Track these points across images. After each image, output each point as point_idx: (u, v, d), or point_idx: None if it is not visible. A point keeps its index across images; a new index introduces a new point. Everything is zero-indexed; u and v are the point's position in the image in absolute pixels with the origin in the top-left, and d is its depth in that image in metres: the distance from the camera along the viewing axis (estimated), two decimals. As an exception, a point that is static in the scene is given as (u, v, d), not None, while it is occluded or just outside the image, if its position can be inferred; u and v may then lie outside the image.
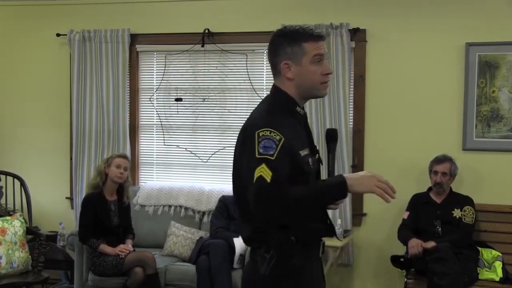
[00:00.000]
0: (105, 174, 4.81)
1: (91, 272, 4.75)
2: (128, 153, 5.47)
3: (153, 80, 5.75)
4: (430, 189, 4.78)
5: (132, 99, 5.73)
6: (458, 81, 4.92)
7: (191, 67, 5.59)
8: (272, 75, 2.34)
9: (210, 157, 5.56)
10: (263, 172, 2.05)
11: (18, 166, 5.80)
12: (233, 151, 2.29)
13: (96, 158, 5.65)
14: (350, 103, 5.14)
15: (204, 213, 5.34)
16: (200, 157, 5.61)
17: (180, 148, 5.68)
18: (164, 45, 5.61)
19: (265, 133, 2.10)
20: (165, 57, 5.61)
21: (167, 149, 5.72)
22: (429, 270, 4.28)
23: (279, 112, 2.23)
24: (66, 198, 5.89)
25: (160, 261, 4.84)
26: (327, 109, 5.10)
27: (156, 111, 5.72)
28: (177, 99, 5.61)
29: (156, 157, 5.80)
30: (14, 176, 5.52)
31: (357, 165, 5.10)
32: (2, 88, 6.03)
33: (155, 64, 5.75)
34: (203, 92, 5.56)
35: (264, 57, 5.23)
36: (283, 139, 2.10)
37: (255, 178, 2.05)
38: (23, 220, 4.89)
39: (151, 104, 5.72)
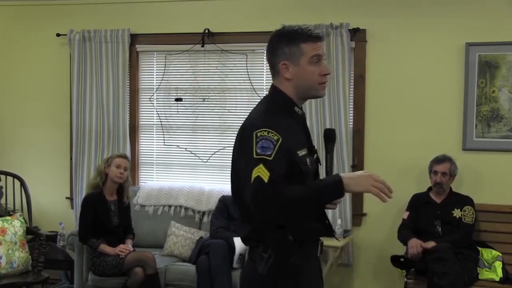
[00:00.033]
0: (105, 174, 4.81)
1: (91, 272, 4.75)
2: (128, 153, 5.47)
3: (153, 80, 5.75)
4: (430, 189, 4.78)
5: (132, 99, 5.73)
6: (458, 81, 4.92)
7: (191, 67, 5.59)
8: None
9: (210, 157, 5.56)
10: (261, 172, 2.06)
11: (18, 166, 5.80)
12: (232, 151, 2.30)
13: (96, 158, 5.65)
14: (350, 103, 5.14)
15: (204, 213, 5.34)
16: (200, 157, 5.61)
17: (180, 148, 5.68)
18: (164, 45, 5.60)
19: (263, 133, 2.11)
20: (165, 57, 5.61)
21: (167, 149, 5.72)
22: (429, 270, 4.28)
23: (278, 112, 2.24)
24: (66, 198, 5.89)
25: (160, 261, 4.84)
26: (327, 109, 5.10)
27: (156, 111, 5.72)
28: (177, 99, 5.61)
29: (156, 157, 5.80)
30: (14, 176, 5.52)
31: (357, 165, 5.10)
32: (2, 88, 6.03)
33: (155, 64, 5.75)
34: (203, 92, 5.56)
35: (264, 57, 5.22)
36: (280, 140, 2.11)
37: (252, 178, 2.06)
38: (23, 220, 4.90)
39: (151, 104, 5.72)
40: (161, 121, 5.69)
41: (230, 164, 2.33)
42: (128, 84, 5.68)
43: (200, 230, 5.24)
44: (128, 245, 4.77)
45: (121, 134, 5.60)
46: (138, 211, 5.37)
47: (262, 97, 2.41)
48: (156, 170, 5.82)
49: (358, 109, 5.17)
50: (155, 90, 5.70)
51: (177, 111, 5.65)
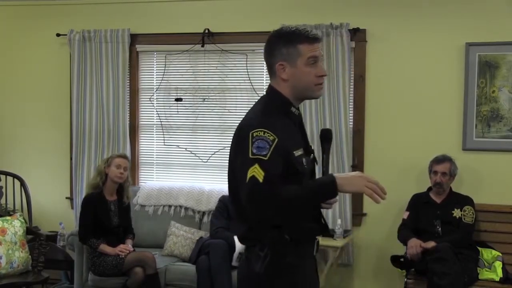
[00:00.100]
0: (105, 174, 4.81)
1: (91, 272, 4.75)
2: (128, 153, 5.47)
3: (153, 80, 5.75)
4: (430, 189, 4.78)
5: (132, 99, 5.72)
6: (458, 81, 4.92)
7: (191, 67, 5.59)
8: None
9: (210, 157, 5.56)
10: (256, 172, 2.08)
11: (18, 166, 5.80)
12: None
13: (96, 158, 5.65)
14: (350, 103, 5.14)
15: (204, 213, 5.34)
16: (200, 157, 5.61)
17: (180, 148, 5.68)
18: (164, 45, 5.60)
19: (259, 133, 2.13)
20: (165, 57, 5.61)
21: (167, 149, 5.72)
22: (429, 270, 4.28)
23: (274, 112, 2.25)
24: (66, 198, 5.89)
25: (160, 261, 4.84)
26: (327, 109, 5.10)
27: (156, 111, 5.72)
28: (177, 99, 5.61)
29: (156, 157, 5.80)
30: (14, 176, 5.52)
31: (357, 165, 5.10)
32: (2, 88, 6.03)
33: (155, 64, 5.75)
34: (203, 92, 5.56)
35: (264, 57, 5.24)
36: (276, 140, 2.13)
37: (247, 178, 2.08)
38: (23, 220, 4.89)
39: (151, 104, 5.72)
40: (161, 121, 5.69)
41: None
42: (128, 84, 5.68)
43: (200, 230, 5.24)
44: (128, 245, 4.77)
45: (121, 134, 5.60)
46: (138, 211, 5.37)
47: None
48: (156, 170, 5.82)
49: (358, 109, 5.17)
50: (155, 90, 5.70)
51: (177, 111, 5.65)
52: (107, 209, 4.78)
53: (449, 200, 4.70)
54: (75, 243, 4.92)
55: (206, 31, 5.42)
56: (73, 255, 5.07)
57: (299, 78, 2.26)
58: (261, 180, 2.07)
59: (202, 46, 5.44)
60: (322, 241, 4.58)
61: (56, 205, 5.89)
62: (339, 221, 4.91)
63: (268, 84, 2.36)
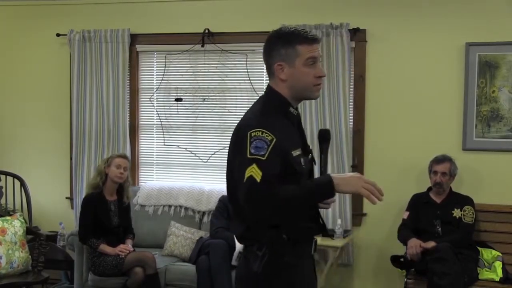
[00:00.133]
0: (105, 174, 4.81)
1: (91, 272, 4.75)
2: (128, 153, 5.47)
3: (153, 80, 5.75)
4: (430, 189, 4.78)
5: (132, 99, 5.72)
6: (458, 81, 4.92)
7: (191, 67, 5.59)
8: None
9: (210, 157, 5.57)
10: (254, 172, 2.09)
11: (18, 166, 5.81)
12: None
13: (96, 158, 5.65)
14: (350, 103, 5.14)
15: (204, 213, 5.34)
16: (200, 157, 5.61)
17: (180, 148, 5.68)
18: (164, 45, 5.60)
19: (257, 133, 2.14)
20: (165, 57, 5.61)
21: (167, 149, 5.72)
22: (429, 270, 4.28)
23: (273, 112, 2.26)
24: (66, 198, 5.89)
25: (160, 261, 4.84)
26: (327, 109, 5.10)
27: (156, 111, 5.72)
28: (177, 99, 5.61)
29: (156, 157, 5.80)
30: (14, 176, 5.52)
31: (357, 165, 5.10)
32: (2, 88, 6.03)
33: (155, 64, 5.75)
34: (203, 92, 5.56)
35: (264, 57, 5.24)
36: (274, 140, 2.14)
37: (245, 178, 2.09)
38: (23, 220, 4.89)
39: (151, 104, 5.72)
40: (161, 121, 5.69)
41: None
42: (128, 84, 5.68)
43: (200, 230, 5.24)
44: (128, 245, 4.77)
45: (121, 134, 5.60)
46: (138, 211, 5.37)
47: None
48: (156, 170, 5.82)
49: (358, 109, 5.17)
50: (155, 90, 5.70)
51: (177, 111, 5.65)
52: (107, 209, 4.78)
53: (449, 200, 4.70)
54: (75, 243, 4.92)
55: (206, 31, 5.42)
56: (73, 255, 5.07)
57: (297, 78, 2.26)
58: (258, 180, 2.08)
59: (202, 46, 5.44)
60: (322, 241, 4.59)
61: (56, 205, 5.89)
62: (339, 221, 4.91)
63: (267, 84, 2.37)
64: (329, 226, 5.02)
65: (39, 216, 5.72)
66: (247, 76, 5.38)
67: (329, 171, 4.95)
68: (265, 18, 5.26)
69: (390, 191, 4.91)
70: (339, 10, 5.17)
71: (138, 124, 5.77)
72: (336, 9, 5.17)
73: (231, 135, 2.29)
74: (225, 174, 2.33)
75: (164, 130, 5.69)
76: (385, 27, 5.08)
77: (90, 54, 5.63)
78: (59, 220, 5.63)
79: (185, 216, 5.36)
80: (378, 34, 5.09)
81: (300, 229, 2.27)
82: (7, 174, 5.53)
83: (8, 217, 4.88)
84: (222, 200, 5.01)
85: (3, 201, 5.53)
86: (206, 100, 5.55)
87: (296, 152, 2.23)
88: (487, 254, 4.65)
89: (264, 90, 2.37)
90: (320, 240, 4.56)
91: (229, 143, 2.31)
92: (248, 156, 2.11)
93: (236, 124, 2.29)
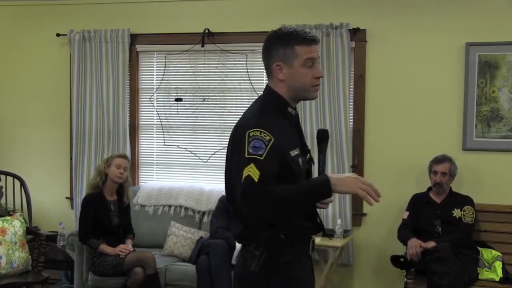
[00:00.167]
0: (105, 174, 4.81)
1: (91, 272, 4.75)
2: (128, 153, 5.48)
3: (153, 80, 5.75)
4: (430, 189, 4.78)
5: (132, 99, 5.73)
6: (458, 81, 4.92)
7: (191, 67, 5.59)
8: None
9: (210, 157, 5.57)
10: (251, 171, 2.10)
11: (18, 166, 5.81)
12: None
13: (96, 158, 5.65)
14: (350, 103, 5.14)
15: (204, 213, 5.34)
16: (200, 157, 5.61)
17: (180, 148, 5.68)
18: (164, 45, 5.60)
19: (255, 133, 2.15)
20: (165, 57, 5.61)
21: (167, 149, 5.72)
22: (429, 270, 4.28)
23: (271, 112, 2.27)
24: (66, 198, 5.89)
25: (160, 261, 4.84)
26: (327, 109, 5.10)
27: (156, 111, 5.72)
28: (177, 99, 5.61)
29: (156, 157, 5.80)
30: (14, 176, 5.52)
31: (357, 165, 5.10)
32: (2, 88, 6.03)
33: (155, 64, 5.75)
34: (203, 92, 5.56)
35: (264, 57, 5.24)
36: (272, 140, 2.15)
37: (243, 177, 2.11)
38: (23, 220, 4.89)
39: (151, 104, 5.72)
40: (161, 121, 5.69)
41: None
42: (128, 84, 5.68)
43: (200, 230, 5.24)
44: (128, 245, 4.77)
45: (121, 134, 5.60)
46: (138, 211, 5.37)
47: (260, 98, 2.44)
48: (156, 170, 5.82)
49: (358, 109, 5.17)
50: (155, 90, 5.70)
51: (177, 111, 5.65)
52: (107, 209, 4.78)
53: (449, 200, 4.70)
54: (75, 243, 4.92)
55: (206, 31, 5.42)
56: (73, 255, 5.07)
57: (295, 79, 2.27)
58: (256, 180, 2.09)
59: (202, 46, 5.44)
60: (322, 241, 4.59)
61: (56, 205, 5.89)
62: (339, 221, 4.91)
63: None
64: (329, 226, 5.03)
65: (39, 216, 5.72)
66: (247, 76, 5.38)
67: (329, 171, 4.98)
68: (265, 18, 5.26)
69: (390, 191, 4.96)
70: (339, 10, 5.17)
71: (138, 124, 5.77)
72: (336, 9, 5.17)
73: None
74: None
75: (164, 130, 5.69)
76: (385, 27, 5.08)
77: (90, 54, 5.63)
78: (59, 220, 5.63)
79: (185, 216, 5.36)
80: (378, 34, 5.09)
81: (298, 228, 2.28)
82: (7, 174, 5.53)
83: (8, 217, 4.88)
84: (222, 200, 5.01)
85: (3, 201, 5.53)
86: (206, 100, 5.56)
87: (294, 152, 2.24)
88: (487, 254, 4.65)
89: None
90: (320, 240, 4.57)
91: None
92: (246, 155, 2.12)
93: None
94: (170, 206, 5.42)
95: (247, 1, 5.40)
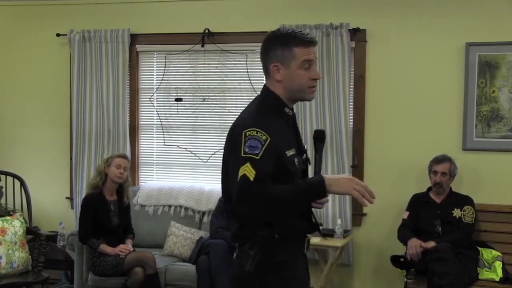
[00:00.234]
0: (105, 174, 4.81)
1: (91, 272, 4.75)
2: (128, 153, 5.48)
3: (153, 80, 5.75)
4: (430, 189, 4.78)
5: (132, 99, 5.73)
6: (458, 81, 4.92)
7: (191, 67, 5.59)
8: None
9: (210, 157, 5.57)
10: (247, 170, 2.11)
11: (18, 166, 5.81)
12: None
13: (96, 158, 5.65)
14: (350, 103, 5.14)
15: (204, 213, 5.34)
16: (200, 157, 5.62)
17: (180, 148, 5.68)
18: (164, 45, 5.60)
19: (252, 133, 2.16)
20: (165, 57, 5.61)
21: (167, 149, 5.72)
22: (429, 270, 4.28)
23: (268, 112, 2.29)
24: (66, 198, 5.89)
25: (160, 261, 4.84)
26: (327, 109, 5.10)
27: (156, 111, 5.72)
28: (177, 99, 5.61)
29: (156, 157, 5.80)
30: (14, 176, 5.52)
31: (357, 165, 5.10)
32: (2, 88, 6.03)
33: (155, 64, 5.75)
34: (203, 92, 5.56)
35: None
36: (269, 139, 2.16)
37: (239, 177, 2.12)
38: (23, 220, 4.89)
39: (151, 104, 5.72)
40: (161, 121, 5.69)
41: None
42: (128, 84, 5.68)
43: (200, 230, 5.24)
44: (128, 245, 4.77)
45: (121, 134, 5.60)
46: (138, 211, 5.37)
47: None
48: (156, 170, 5.82)
49: (358, 109, 5.16)
50: (155, 90, 5.70)
51: (177, 111, 5.65)
52: (107, 209, 4.78)
53: (449, 200, 4.70)
54: (75, 243, 4.92)
55: (206, 31, 5.42)
56: (73, 255, 5.07)
57: (292, 80, 2.29)
58: (252, 179, 2.10)
59: (202, 46, 5.44)
60: (322, 241, 4.59)
61: (56, 205, 5.89)
62: (339, 221, 4.91)
63: (265, 84, 2.38)
64: (329, 226, 5.02)
65: (39, 216, 5.72)
66: (247, 76, 5.38)
67: (329, 171, 4.98)
68: (265, 18, 5.26)
69: (390, 191, 4.97)
70: (339, 10, 5.17)
71: (138, 124, 5.77)
72: (336, 9, 5.17)
73: (228, 135, 2.30)
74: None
75: (164, 130, 5.69)
76: (385, 27, 5.08)
77: (90, 54, 5.63)
78: (59, 220, 5.63)
79: (185, 216, 5.36)
80: (378, 34, 5.09)
81: (292, 228, 2.29)
82: (7, 174, 5.53)
83: (8, 217, 4.88)
84: (222, 200, 5.01)
85: (3, 201, 5.53)
86: (206, 100, 5.56)
87: (290, 152, 2.25)
88: (487, 254, 4.65)
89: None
90: (320, 240, 4.57)
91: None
92: (242, 155, 2.13)
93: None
94: (170, 206, 5.42)
95: (247, 1, 5.41)
